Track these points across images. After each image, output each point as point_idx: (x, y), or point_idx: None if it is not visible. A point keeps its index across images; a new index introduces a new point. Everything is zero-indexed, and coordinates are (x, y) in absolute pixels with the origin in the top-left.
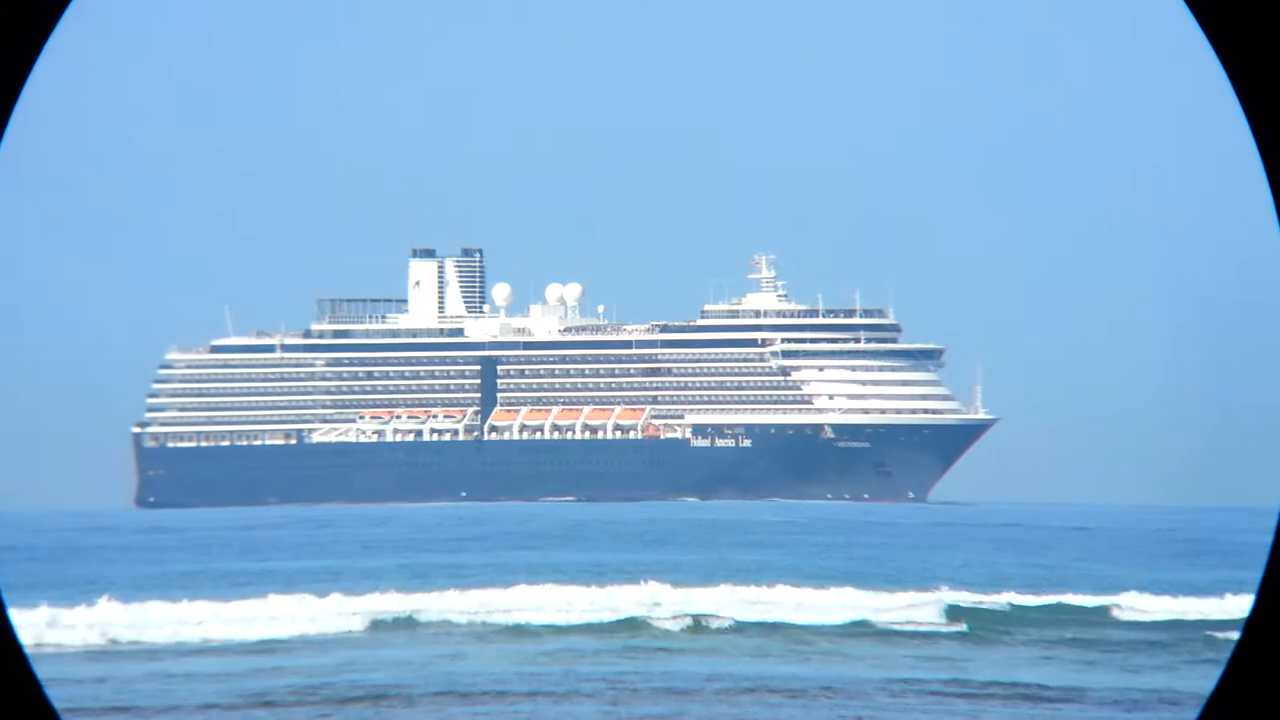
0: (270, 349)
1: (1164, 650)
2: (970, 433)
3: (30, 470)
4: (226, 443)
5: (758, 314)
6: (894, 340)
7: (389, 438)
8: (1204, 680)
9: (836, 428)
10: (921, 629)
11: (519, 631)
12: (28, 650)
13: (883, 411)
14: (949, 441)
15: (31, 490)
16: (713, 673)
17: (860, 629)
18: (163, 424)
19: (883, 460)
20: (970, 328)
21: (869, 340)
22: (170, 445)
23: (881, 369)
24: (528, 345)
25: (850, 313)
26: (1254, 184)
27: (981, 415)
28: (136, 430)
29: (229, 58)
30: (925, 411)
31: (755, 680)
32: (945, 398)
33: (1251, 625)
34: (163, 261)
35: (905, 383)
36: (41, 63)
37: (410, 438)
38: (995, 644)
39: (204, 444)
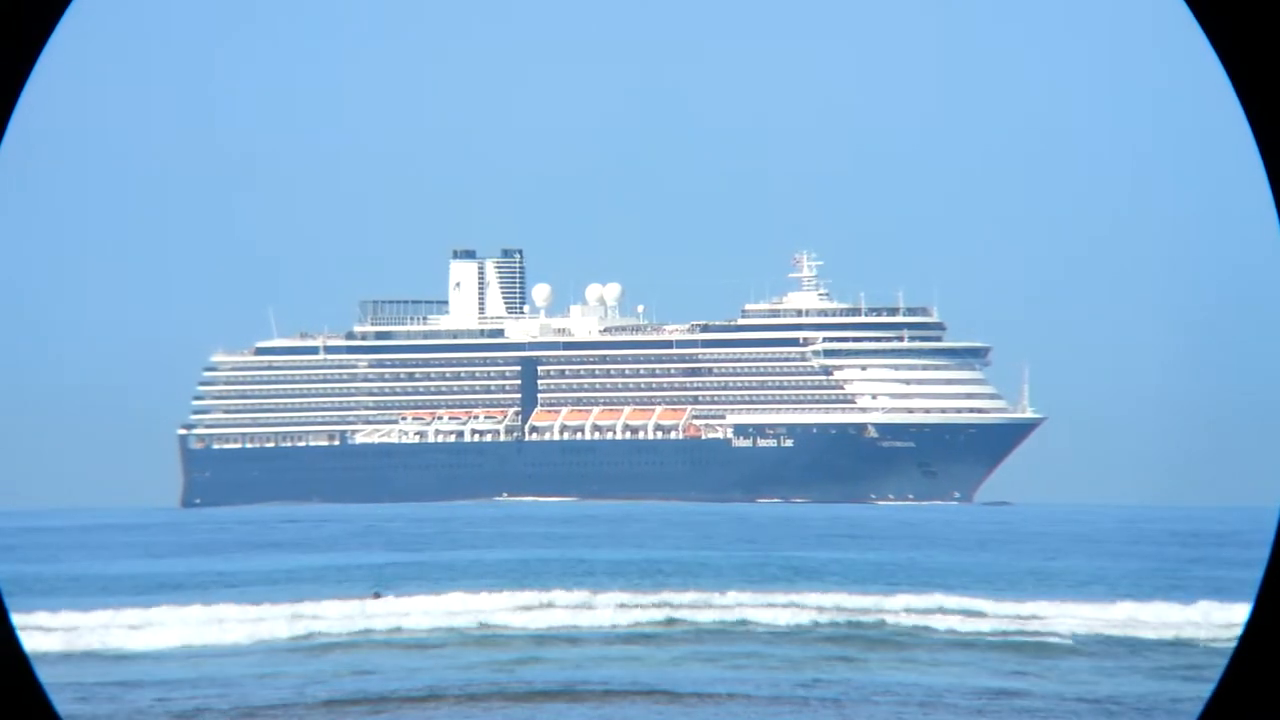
0: (314, 350)
1: None
2: (1017, 432)
3: (77, 472)
4: (271, 444)
5: (799, 313)
6: (938, 339)
7: (430, 439)
8: None
9: (880, 427)
10: None
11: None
12: (347, 638)
13: (927, 411)
14: (995, 441)
15: (78, 491)
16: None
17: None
18: (208, 425)
19: (927, 460)
20: (1017, 325)
21: (913, 339)
22: (215, 447)
23: (926, 368)
24: (568, 346)
25: (893, 311)
26: (1255, 184)
27: (1029, 414)
28: (182, 432)
29: (268, 59)
30: (971, 411)
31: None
32: (991, 396)
33: (1252, 626)
34: (207, 264)
35: (950, 381)
36: (64, 61)
37: (452, 438)
38: None
39: (249, 445)
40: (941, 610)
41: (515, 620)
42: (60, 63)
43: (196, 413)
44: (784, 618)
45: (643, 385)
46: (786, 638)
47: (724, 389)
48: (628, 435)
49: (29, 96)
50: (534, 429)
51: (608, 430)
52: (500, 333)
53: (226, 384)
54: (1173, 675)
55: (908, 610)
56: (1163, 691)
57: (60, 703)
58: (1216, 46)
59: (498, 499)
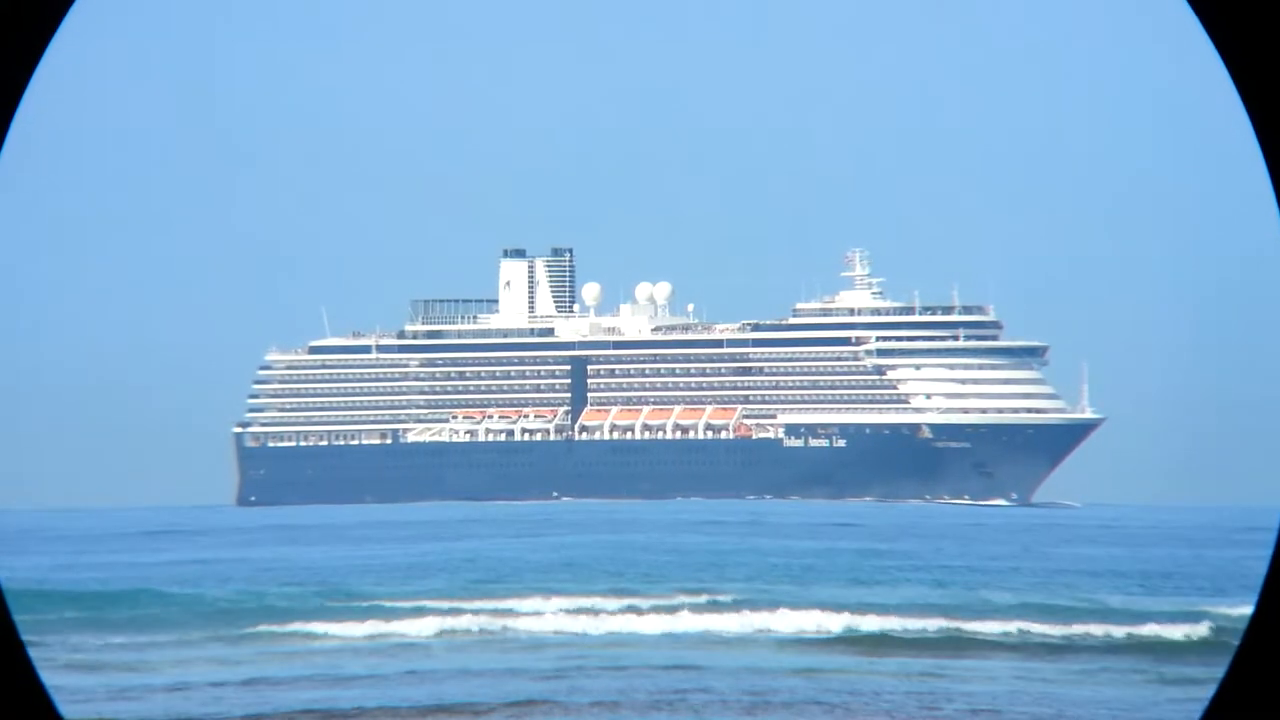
0: (366, 349)
1: None
2: (1076, 432)
3: (135, 470)
4: (324, 442)
5: (851, 312)
6: (995, 338)
7: (481, 438)
8: None
9: (935, 427)
10: None
11: None
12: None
13: (983, 411)
14: (1054, 441)
15: (134, 490)
16: None
17: None
18: (263, 424)
19: (983, 461)
20: (1076, 324)
21: (968, 338)
22: (270, 445)
23: (982, 367)
24: (618, 345)
25: (948, 310)
26: (1257, 182)
27: (1088, 414)
28: (238, 430)
29: (318, 59)
30: (1028, 411)
31: None
32: (1049, 396)
33: (1254, 626)
34: (261, 264)
35: (1007, 381)
36: (97, 59)
37: (502, 438)
38: None
39: (303, 444)
40: None
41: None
42: (79, 61)
43: (251, 411)
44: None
45: (693, 385)
46: None
47: (775, 389)
48: (678, 435)
49: (40, 96)
50: (584, 428)
51: (658, 430)
52: (550, 332)
53: (281, 383)
54: None
55: None
56: None
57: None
58: (1219, 45)
59: (553, 498)
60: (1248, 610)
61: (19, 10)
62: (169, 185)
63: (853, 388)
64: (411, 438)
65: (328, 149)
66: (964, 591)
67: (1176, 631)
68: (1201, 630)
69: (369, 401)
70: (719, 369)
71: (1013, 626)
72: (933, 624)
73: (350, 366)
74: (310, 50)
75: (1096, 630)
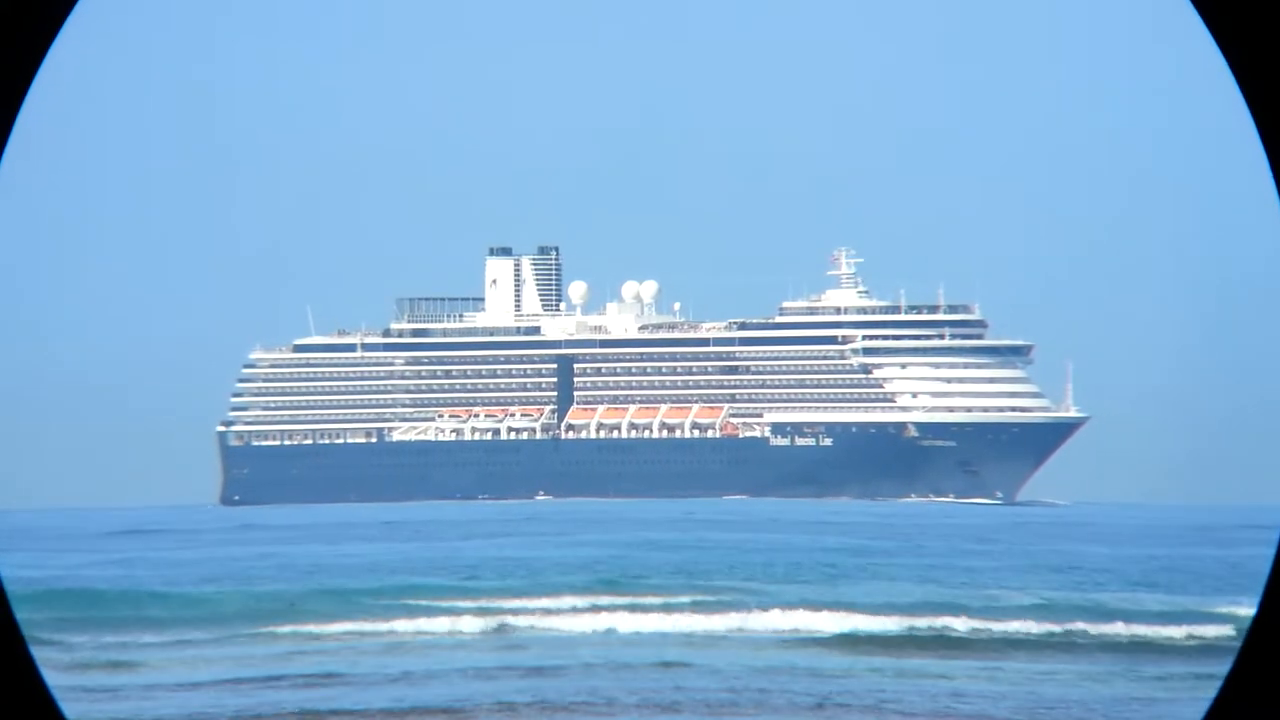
0: (351, 348)
1: None
2: (1061, 431)
3: (117, 469)
4: (309, 441)
5: (838, 311)
6: (980, 336)
7: (467, 436)
8: None
9: (920, 426)
10: None
11: None
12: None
13: (969, 410)
14: (1038, 440)
15: (117, 489)
16: None
17: None
18: (247, 423)
19: (969, 459)
20: (1061, 323)
21: (954, 337)
22: (254, 444)
23: (967, 366)
24: (604, 343)
25: (934, 309)
26: (1260, 181)
27: (1072, 413)
28: (221, 429)
29: (300, 56)
30: (1013, 409)
31: None
32: (1034, 395)
33: (1257, 625)
34: (246, 261)
35: (992, 380)
36: (77, 60)
37: (488, 436)
38: None
39: (287, 443)
40: None
41: None
42: (73, 62)
43: (235, 409)
44: None
45: (679, 383)
46: None
47: (761, 387)
48: (664, 433)
49: (42, 97)
50: (570, 427)
51: (644, 428)
52: (537, 330)
53: (265, 381)
54: None
55: None
56: None
57: None
58: (1222, 45)
59: (540, 497)
60: (1240, 610)
61: (21, 12)
62: (165, 186)
63: (839, 386)
64: (397, 437)
65: (312, 148)
66: (959, 590)
67: (1175, 631)
68: (1200, 629)
69: (354, 400)
70: (705, 368)
71: (1011, 625)
72: (927, 622)
73: (335, 365)
74: (297, 51)
75: (1095, 630)
